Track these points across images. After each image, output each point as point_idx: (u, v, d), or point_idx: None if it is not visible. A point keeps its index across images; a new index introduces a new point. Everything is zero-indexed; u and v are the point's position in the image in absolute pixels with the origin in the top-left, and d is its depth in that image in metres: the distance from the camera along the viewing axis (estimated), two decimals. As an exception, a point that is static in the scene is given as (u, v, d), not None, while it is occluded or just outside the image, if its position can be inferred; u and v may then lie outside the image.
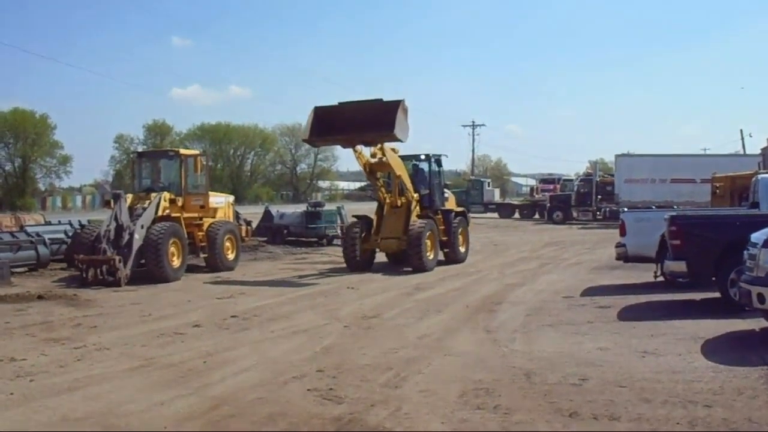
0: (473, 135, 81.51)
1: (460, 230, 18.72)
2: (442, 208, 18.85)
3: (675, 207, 28.29)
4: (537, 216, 45.95)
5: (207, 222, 17.81)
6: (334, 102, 17.15)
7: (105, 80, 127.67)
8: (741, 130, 64.31)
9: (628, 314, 10.48)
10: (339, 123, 16.55)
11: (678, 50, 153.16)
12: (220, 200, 19.21)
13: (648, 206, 31.09)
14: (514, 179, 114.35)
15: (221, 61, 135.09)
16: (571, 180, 50.92)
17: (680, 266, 10.84)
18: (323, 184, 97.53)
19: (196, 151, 21.68)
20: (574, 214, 41.47)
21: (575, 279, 15.11)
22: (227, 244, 17.98)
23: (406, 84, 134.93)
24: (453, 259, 18.30)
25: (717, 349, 7.89)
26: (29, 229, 18.20)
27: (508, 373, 7.09)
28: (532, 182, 78.04)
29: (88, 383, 7.03)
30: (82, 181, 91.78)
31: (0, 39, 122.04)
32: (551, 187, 52.43)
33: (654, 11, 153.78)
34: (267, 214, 26.62)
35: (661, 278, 12.78)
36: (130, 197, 16.62)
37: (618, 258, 14.22)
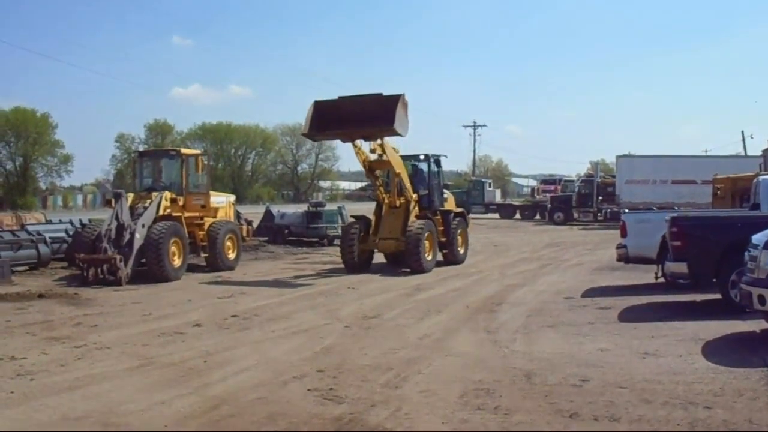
0: (474, 136, 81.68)
1: (459, 231, 18.62)
2: (441, 208, 18.70)
3: (676, 208, 28.28)
4: (538, 217, 45.97)
5: (208, 221, 17.81)
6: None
7: (106, 79, 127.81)
8: (742, 132, 64.62)
9: (628, 315, 10.48)
10: (339, 117, 16.37)
11: (678, 51, 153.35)
12: (221, 200, 19.22)
13: (649, 207, 31.15)
14: (515, 180, 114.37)
15: (222, 60, 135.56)
16: (572, 181, 50.91)
17: (681, 267, 10.84)
18: (324, 184, 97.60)
19: (198, 151, 21.72)
20: (575, 215, 41.48)
21: (576, 280, 15.11)
22: (228, 243, 17.98)
23: (407, 84, 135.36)
24: (452, 261, 18.21)
25: (718, 351, 7.88)
26: (30, 228, 18.19)
27: (509, 374, 7.09)
28: (533, 183, 78.08)
29: (88, 382, 7.03)
30: (83, 180, 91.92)
31: (1, 37, 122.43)
32: (552, 187, 52.44)
33: (654, 12, 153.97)
34: (268, 214, 26.62)
35: (661, 279, 12.79)
36: (131, 196, 16.62)
37: (619, 259, 14.21)
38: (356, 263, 17.14)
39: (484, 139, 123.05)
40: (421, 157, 19.22)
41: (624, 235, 13.94)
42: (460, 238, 18.71)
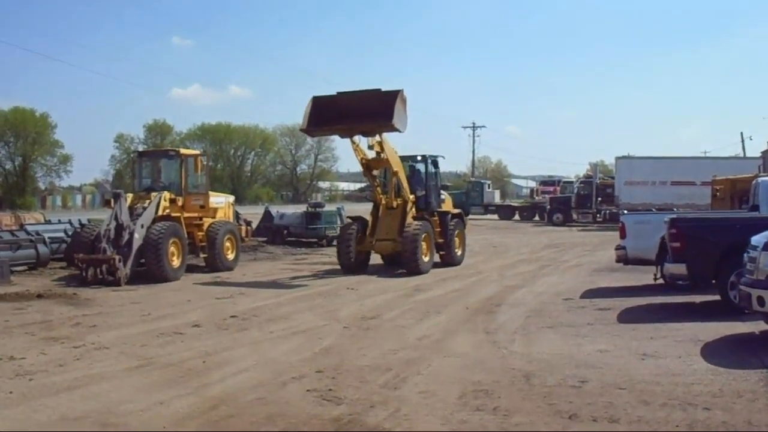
0: (473, 137, 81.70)
1: (456, 232, 18.48)
2: (439, 209, 18.57)
3: (675, 209, 28.29)
4: (537, 218, 45.95)
5: (207, 222, 17.81)
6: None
7: (105, 79, 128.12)
8: (741, 133, 64.42)
9: (627, 316, 10.48)
10: (337, 113, 16.26)
11: (678, 52, 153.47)
12: (220, 200, 19.21)
13: (648, 209, 31.18)
14: (514, 181, 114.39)
15: (221, 61, 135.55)
16: (571, 182, 50.91)
17: (680, 269, 10.83)
18: (323, 184, 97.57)
19: (197, 151, 21.69)
20: (574, 216, 41.48)
21: (575, 281, 15.11)
22: (227, 244, 17.97)
23: (406, 85, 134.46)
24: (449, 262, 18.11)
25: (717, 352, 7.88)
26: (29, 228, 18.19)
27: (508, 375, 7.09)
28: (532, 184, 78.18)
29: (87, 382, 7.03)
30: (83, 180, 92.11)
31: (1, 37, 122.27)
32: (551, 189, 52.47)
33: (654, 13, 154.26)
34: (267, 215, 26.63)
35: (660, 281, 12.78)
36: (130, 197, 16.62)
37: (618, 260, 14.20)
38: (353, 264, 17.00)
39: (484, 140, 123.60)
40: (419, 157, 19.10)
41: (623, 236, 13.94)
42: (457, 240, 18.61)
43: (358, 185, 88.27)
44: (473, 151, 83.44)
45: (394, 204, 17.72)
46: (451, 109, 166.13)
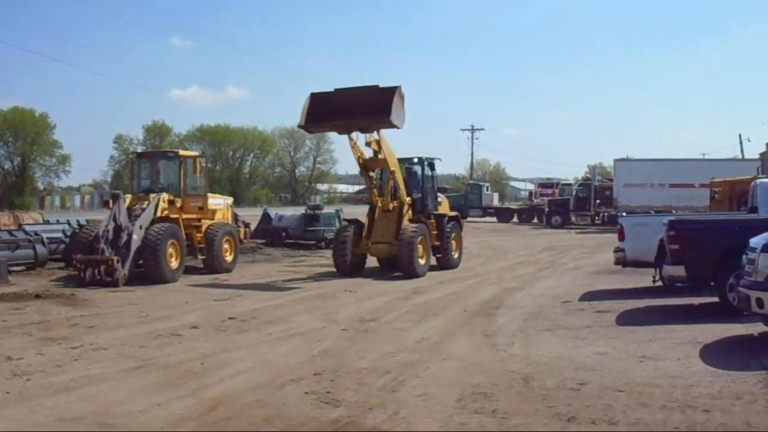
0: (472, 139, 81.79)
1: (453, 235, 18.34)
2: (435, 212, 18.44)
3: (673, 212, 28.29)
4: (535, 220, 45.94)
5: (205, 223, 17.79)
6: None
7: (105, 80, 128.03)
8: (740, 135, 64.43)
9: (626, 319, 10.47)
10: (335, 109, 16.13)
11: (677, 53, 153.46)
12: (218, 202, 19.20)
13: (647, 211, 31.15)
14: (512, 183, 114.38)
15: (220, 62, 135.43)
16: (570, 184, 50.90)
17: (679, 271, 10.83)
18: (322, 186, 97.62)
19: (196, 153, 21.72)
20: (573, 219, 41.52)
21: (574, 283, 15.10)
22: (225, 245, 17.95)
23: (405, 86, 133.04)
24: (445, 265, 17.97)
25: (715, 354, 7.88)
26: (27, 228, 18.14)
27: (506, 378, 7.07)
28: (531, 186, 78.20)
29: (84, 383, 7.01)
30: (81, 180, 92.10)
31: (0, 37, 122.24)
32: (550, 191, 52.49)
33: (653, 15, 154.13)
34: (265, 217, 26.61)
35: (659, 283, 12.79)
36: (128, 198, 16.60)
37: (616, 263, 14.21)
38: (348, 267, 16.91)
39: (482, 143, 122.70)
40: (415, 160, 19.01)
41: (622, 238, 13.94)
42: (454, 243, 18.47)
43: (357, 187, 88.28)
44: (472, 154, 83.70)
45: (391, 206, 17.63)
46: (449, 111, 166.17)
